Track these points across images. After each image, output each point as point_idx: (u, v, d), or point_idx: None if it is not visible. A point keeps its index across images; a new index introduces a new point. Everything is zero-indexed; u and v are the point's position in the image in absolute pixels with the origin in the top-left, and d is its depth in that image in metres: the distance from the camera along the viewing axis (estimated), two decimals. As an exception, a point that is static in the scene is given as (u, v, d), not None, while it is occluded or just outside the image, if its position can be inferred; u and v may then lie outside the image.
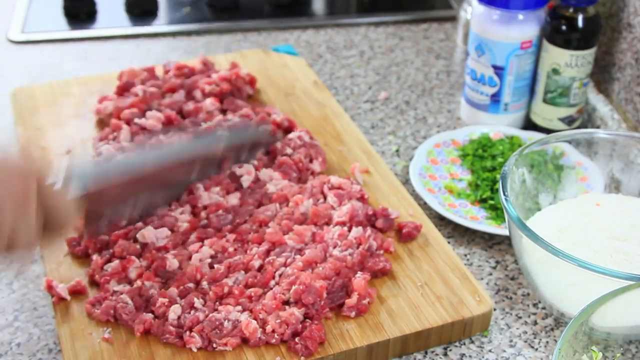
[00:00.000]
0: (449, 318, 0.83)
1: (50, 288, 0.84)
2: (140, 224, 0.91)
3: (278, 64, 1.28)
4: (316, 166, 1.02)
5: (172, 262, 0.86)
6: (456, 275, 0.88)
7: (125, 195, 0.84)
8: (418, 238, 0.93)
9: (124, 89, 1.15)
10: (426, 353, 0.84)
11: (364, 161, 1.06)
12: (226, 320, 0.80)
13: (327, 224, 0.93)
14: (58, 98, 1.18)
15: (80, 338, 0.81)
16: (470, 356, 0.84)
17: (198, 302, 0.82)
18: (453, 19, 1.51)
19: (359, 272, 0.86)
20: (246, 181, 0.98)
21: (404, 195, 1.00)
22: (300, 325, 0.81)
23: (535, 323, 0.88)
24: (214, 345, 0.79)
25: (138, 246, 0.89)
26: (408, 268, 0.89)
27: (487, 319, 0.85)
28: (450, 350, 0.85)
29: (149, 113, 1.08)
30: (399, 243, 0.93)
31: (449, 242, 0.99)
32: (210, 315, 0.81)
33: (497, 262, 0.97)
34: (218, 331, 0.80)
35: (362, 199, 0.96)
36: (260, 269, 0.87)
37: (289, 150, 1.03)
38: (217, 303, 0.83)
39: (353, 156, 1.07)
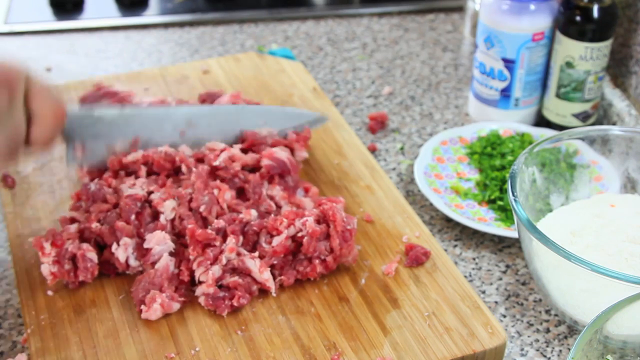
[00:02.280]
0: (459, 352, 0.81)
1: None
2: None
3: (274, 68, 1.27)
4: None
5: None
6: (467, 305, 0.86)
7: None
8: (425, 262, 0.91)
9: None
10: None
11: (367, 176, 1.04)
12: None
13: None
14: None
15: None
16: (478, 366, 0.85)
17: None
18: (461, 9, 1.52)
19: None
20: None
21: (410, 215, 0.98)
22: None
23: (548, 331, 0.89)
24: None
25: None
26: (414, 296, 0.87)
27: (500, 353, 0.83)
28: None
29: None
30: (405, 267, 0.91)
31: (456, 246, 0.99)
32: None
33: (507, 266, 0.97)
34: None
35: None
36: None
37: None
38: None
39: (355, 171, 1.05)
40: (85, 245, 0.88)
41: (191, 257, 0.87)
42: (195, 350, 0.81)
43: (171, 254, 0.88)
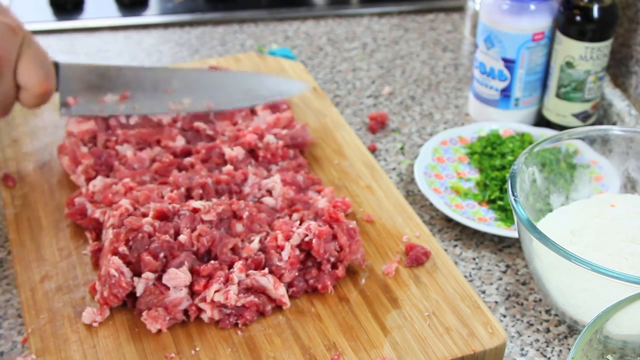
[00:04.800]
0: (459, 352, 0.81)
1: None
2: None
3: (274, 68, 1.26)
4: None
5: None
6: (467, 305, 0.86)
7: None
8: (425, 262, 0.91)
9: None
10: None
11: (367, 176, 1.04)
12: None
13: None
14: None
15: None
16: (478, 366, 0.85)
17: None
18: (461, 9, 1.52)
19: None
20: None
21: (410, 215, 0.98)
22: None
23: (548, 331, 0.89)
24: None
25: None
26: (414, 296, 0.87)
27: (500, 353, 0.83)
28: None
29: None
30: (405, 267, 0.91)
31: (456, 246, 0.99)
32: None
33: (508, 266, 0.97)
34: None
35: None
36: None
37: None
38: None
39: (355, 171, 1.05)
40: (114, 260, 0.85)
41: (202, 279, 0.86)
42: (195, 350, 0.81)
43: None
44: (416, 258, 0.91)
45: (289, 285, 0.87)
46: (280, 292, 0.85)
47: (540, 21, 1.11)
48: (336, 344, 0.82)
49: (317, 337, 0.83)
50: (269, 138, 1.04)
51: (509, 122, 1.17)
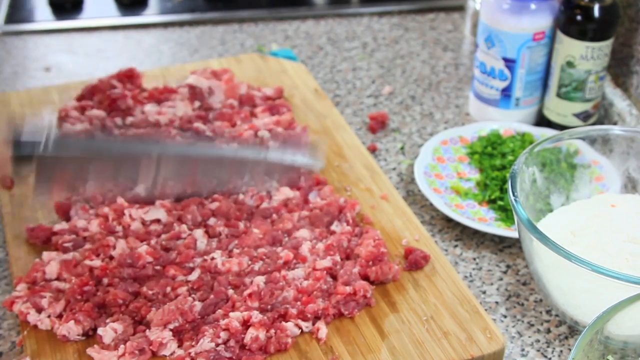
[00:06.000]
0: (457, 357, 0.81)
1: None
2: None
3: (276, 69, 1.26)
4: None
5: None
6: (465, 309, 0.86)
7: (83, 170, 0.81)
8: (425, 266, 0.91)
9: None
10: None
11: (367, 179, 1.04)
12: None
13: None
14: (37, 106, 1.16)
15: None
16: (478, 366, 0.84)
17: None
18: (461, 8, 1.51)
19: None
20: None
21: (409, 218, 0.97)
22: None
23: (549, 331, 0.88)
24: None
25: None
26: (412, 300, 0.87)
27: (498, 358, 0.83)
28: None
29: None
30: (404, 271, 0.90)
31: (456, 246, 0.99)
32: None
33: (508, 266, 0.97)
34: None
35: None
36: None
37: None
38: None
39: (355, 173, 1.05)
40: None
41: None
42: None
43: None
44: (415, 262, 0.90)
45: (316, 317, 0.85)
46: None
47: (541, 20, 1.10)
48: (333, 347, 0.82)
49: (313, 340, 0.82)
50: (263, 133, 1.05)
51: (510, 121, 1.17)
